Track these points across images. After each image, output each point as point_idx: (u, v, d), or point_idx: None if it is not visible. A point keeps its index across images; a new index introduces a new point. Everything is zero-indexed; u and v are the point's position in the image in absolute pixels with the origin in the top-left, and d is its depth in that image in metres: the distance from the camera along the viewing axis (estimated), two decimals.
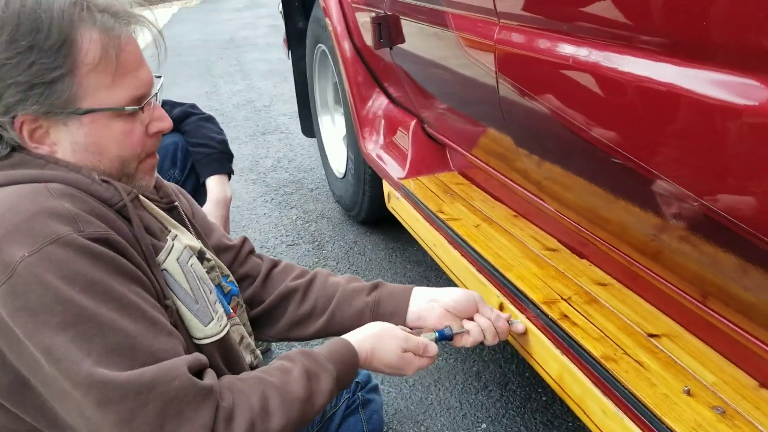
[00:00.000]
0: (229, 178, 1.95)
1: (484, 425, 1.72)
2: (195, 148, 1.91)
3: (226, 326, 1.04)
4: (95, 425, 0.82)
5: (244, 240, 1.34)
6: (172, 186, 1.21)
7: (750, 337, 1.00)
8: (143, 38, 0.99)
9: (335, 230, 2.87)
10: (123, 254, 0.89)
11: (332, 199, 3.15)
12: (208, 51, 7.44)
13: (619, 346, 1.15)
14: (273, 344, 2.07)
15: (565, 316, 1.25)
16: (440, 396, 1.83)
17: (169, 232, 1.04)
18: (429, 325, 1.21)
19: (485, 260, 1.51)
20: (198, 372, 0.90)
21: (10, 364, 0.85)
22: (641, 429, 1.00)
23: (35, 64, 0.87)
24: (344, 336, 1.09)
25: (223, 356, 1.04)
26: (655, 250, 1.14)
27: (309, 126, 3.26)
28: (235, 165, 2.09)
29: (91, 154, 0.95)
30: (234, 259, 1.30)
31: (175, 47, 7.42)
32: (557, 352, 1.20)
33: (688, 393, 1.02)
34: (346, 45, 2.45)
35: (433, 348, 1.14)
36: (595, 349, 1.15)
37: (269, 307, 1.29)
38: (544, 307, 1.29)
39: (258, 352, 1.19)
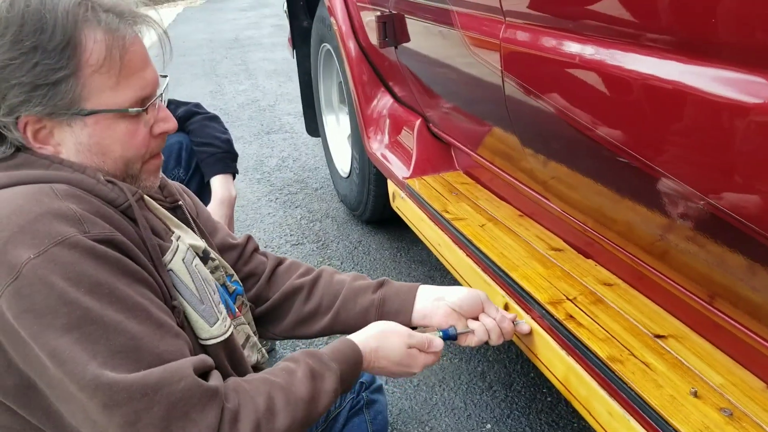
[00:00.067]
0: (234, 178, 1.94)
1: (488, 426, 1.72)
2: (200, 148, 1.91)
3: (230, 327, 1.04)
4: (101, 427, 0.82)
5: (248, 238, 1.34)
6: (176, 185, 1.20)
7: (758, 338, 0.99)
8: (149, 37, 0.99)
9: (340, 230, 2.87)
10: (128, 255, 0.89)
11: (337, 198, 3.15)
12: (212, 50, 7.45)
13: (625, 347, 1.14)
14: (277, 343, 2.06)
15: (571, 316, 1.25)
16: (445, 396, 1.83)
17: (173, 232, 1.04)
18: (434, 324, 1.21)
19: (490, 260, 1.50)
20: (204, 373, 0.89)
21: (16, 366, 0.85)
22: (648, 431, 0.99)
23: (39, 65, 0.87)
24: (348, 336, 1.09)
25: (229, 356, 1.04)
26: (661, 250, 1.13)
27: (314, 125, 3.26)
28: (240, 164, 2.08)
29: (95, 155, 0.95)
30: (238, 258, 1.29)
31: (180, 47, 7.44)
32: (563, 352, 1.19)
33: (695, 395, 1.01)
34: (351, 44, 2.45)
35: (438, 343, 1.14)
36: (601, 350, 1.14)
37: (274, 305, 1.29)
38: (550, 308, 1.28)
39: (264, 351, 1.19)
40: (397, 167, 2.17)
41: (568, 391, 1.19)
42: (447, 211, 1.79)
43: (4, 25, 0.86)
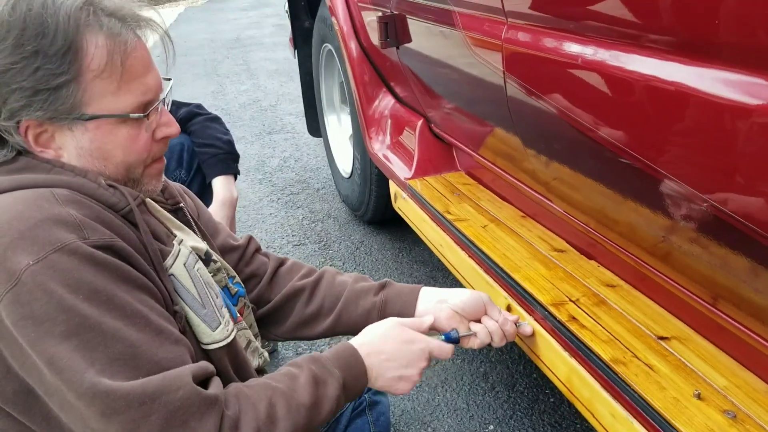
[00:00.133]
0: (236, 179, 1.94)
1: (491, 427, 1.71)
2: (201, 149, 1.91)
3: (232, 331, 1.04)
4: None
5: (250, 239, 1.34)
6: (177, 186, 1.20)
7: (761, 340, 0.98)
8: (153, 38, 0.99)
9: (342, 230, 2.87)
10: (129, 261, 0.88)
11: (338, 198, 3.14)
12: (214, 50, 7.45)
13: (628, 349, 1.14)
14: (279, 344, 2.06)
15: (574, 318, 1.24)
16: (447, 397, 1.82)
17: (175, 236, 1.04)
18: (436, 327, 1.20)
19: (492, 261, 1.50)
20: (204, 381, 0.89)
21: (15, 372, 0.84)
22: None
23: (40, 70, 0.86)
24: (350, 341, 1.08)
25: (232, 360, 1.03)
26: (664, 252, 1.13)
27: (315, 125, 3.26)
28: (242, 165, 2.09)
29: (96, 159, 0.94)
30: (240, 259, 1.29)
31: (182, 47, 7.43)
32: (566, 354, 1.19)
33: (699, 397, 1.01)
34: (353, 44, 2.45)
35: (428, 319, 1.14)
36: (604, 352, 1.13)
37: (276, 306, 1.29)
38: (552, 309, 1.28)
39: (266, 355, 1.18)
40: (398, 168, 2.17)
41: (571, 393, 1.19)
42: (449, 212, 1.79)
43: (6, 28, 0.86)
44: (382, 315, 1.22)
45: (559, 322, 1.24)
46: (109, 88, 0.91)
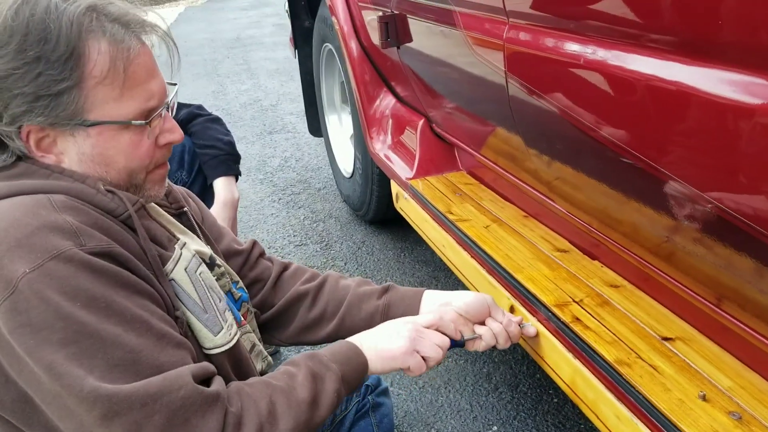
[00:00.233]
0: (237, 180, 1.94)
1: (495, 428, 1.71)
2: (202, 150, 1.90)
3: (235, 335, 1.03)
4: None
5: (254, 243, 1.33)
6: (181, 190, 1.20)
7: (766, 340, 0.98)
8: (158, 43, 0.98)
9: (343, 230, 2.86)
10: (127, 267, 0.88)
11: (340, 198, 3.14)
12: (214, 50, 7.45)
13: (632, 350, 1.14)
14: (282, 348, 2.06)
15: (577, 319, 1.24)
16: (450, 398, 1.82)
17: (177, 240, 1.03)
18: (441, 330, 1.20)
19: (495, 262, 1.49)
20: (205, 380, 0.89)
21: (13, 381, 0.84)
22: None
23: (42, 75, 0.86)
24: (348, 338, 1.09)
25: (234, 365, 1.03)
26: (668, 252, 1.12)
27: (316, 125, 3.26)
28: (243, 165, 2.08)
29: (98, 165, 0.94)
30: (244, 264, 1.29)
31: (182, 46, 7.31)
32: (569, 355, 1.18)
33: (704, 398, 1.01)
34: (353, 44, 2.44)
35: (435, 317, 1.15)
36: (608, 353, 1.13)
37: (279, 311, 1.28)
38: (556, 310, 1.27)
39: (270, 358, 1.18)
40: (400, 168, 2.16)
41: (575, 394, 1.18)
42: (451, 212, 1.78)
43: (9, 33, 0.85)
44: (385, 318, 1.22)
45: (562, 323, 1.23)
46: (111, 94, 0.90)
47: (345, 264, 2.58)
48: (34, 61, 0.85)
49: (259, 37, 8.09)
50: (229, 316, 1.04)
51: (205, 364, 0.91)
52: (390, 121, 2.37)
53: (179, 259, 0.99)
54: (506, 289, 1.42)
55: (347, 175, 2.87)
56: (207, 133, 1.93)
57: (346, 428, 1.34)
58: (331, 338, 1.27)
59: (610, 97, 1.05)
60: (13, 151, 0.92)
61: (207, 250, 1.11)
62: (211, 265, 1.10)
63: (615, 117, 1.06)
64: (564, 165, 1.31)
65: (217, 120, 1.99)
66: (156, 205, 1.06)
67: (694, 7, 0.84)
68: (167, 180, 1.07)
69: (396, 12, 1.95)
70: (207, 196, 1.88)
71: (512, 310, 1.37)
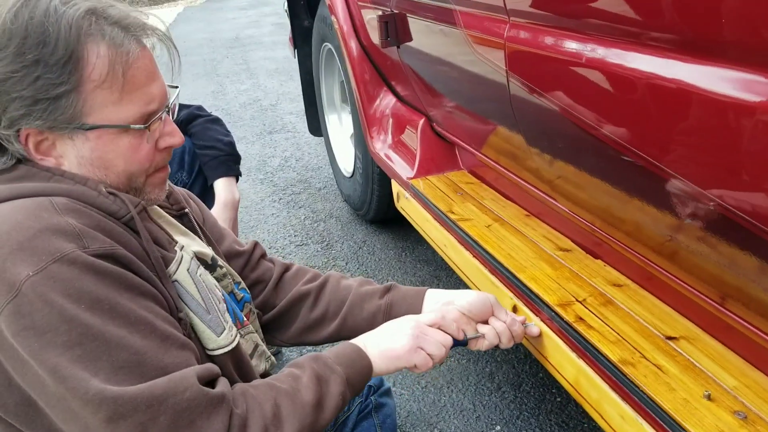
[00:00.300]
0: (237, 180, 1.94)
1: (498, 427, 1.70)
2: (202, 151, 1.90)
3: (236, 336, 1.03)
4: None
5: (255, 244, 1.33)
6: (182, 192, 1.19)
7: None
8: (159, 46, 0.97)
9: (344, 230, 2.86)
10: (130, 269, 0.88)
11: (340, 198, 3.14)
12: (213, 50, 7.44)
13: (636, 350, 1.13)
14: (284, 348, 2.05)
15: (581, 318, 1.23)
16: (453, 398, 1.82)
17: (176, 242, 1.03)
18: (444, 329, 1.19)
19: (497, 261, 1.49)
20: (209, 381, 0.89)
21: (17, 384, 0.84)
22: None
23: (40, 79, 0.85)
24: (351, 340, 1.08)
25: (236, 366, 1.03)
26: (671, 250, 1.12)
27: (316, 125, 3.25)
28: (243, 165, 2.08)
29: (97, 168, 0.93)
30: (245, 265, 1.29)
31: (181, 47, 7.33)
32: (573, 355, 1.18)
33: (709, 398, 1.00)
34: (353, 43, 2.43)
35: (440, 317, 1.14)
36: (612, 353, 1.13)
37: (281, 312, 1.28)
38: (559, 310, 1.27)
39: (273, 359, 1.18)
40: (400, 167, 2.16)
41: (579, 394, 1.18)
42: (452, 212, 1.78)
43: (8, 36, 0.85)
44: (388, 318, 1.22)
45: (566, 322, 1.23)
46: (110, 98, 0.89)
47: (346, 264, 2.57)
48: (33, 65, 0.85)
49: (258, 36, 8.08)
50: (228, 317, 1.04)
51: (210, 365, 0.91)
52: (390, 120, 2.36)
53: (181, 260, 0.99)
54: (509, 289, 1.41)
55: (348, 175, 2.86)
56: (207, 133, 1.93)
57: (349, 429, 1.34)
58: (333, 338, 1.26)
59: (611, 95, 1.05)
60: (13, 154, 0.91)
61: (208, 251, 1.11)
62: (212, 266, 1.10)
63: (617, 115, 1.06)
64: (566, 164, 1.30)
65: (217, 120, 1.99)
66: (157, 207, 1.06)
67: (695, 5, 0.83)
68: (168, 182, 1.07)
69: (396, 11, 1.94)
70: (207, 197, 1.87)
71: (515, 309, 1.37)
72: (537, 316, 1.30)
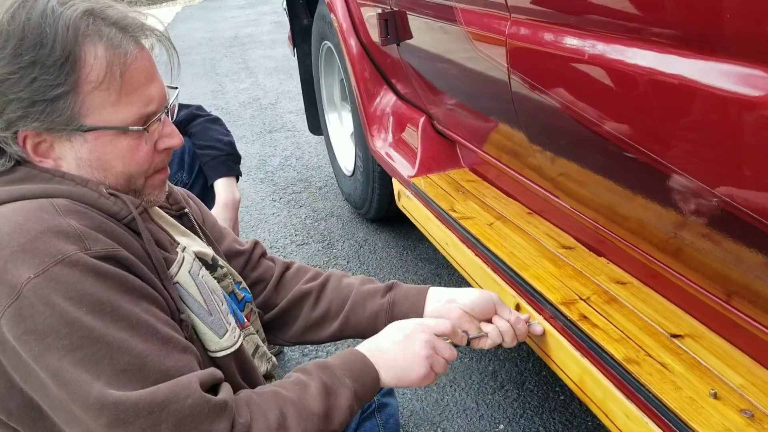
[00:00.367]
0: (237, 180, 1.93)
1: (501, 426, 1.70)
2: (202, 151, 1.89)
3: (239, 337, 1.02)
4: None
5: (255, 243, 1.32)
6: (181, 191, 1.18)
7: None
8: (157, 46, 0.96)
9: (345, 228, 2.85)
10: (132, 271, 0.87)
11: (341, 197, 3.13)
12: (212, 49, 7.43)
13: (641, 348, 1.12)
14: (285, 347, 2.05)
15: (585, 317, 1.23)
16: (456, 397, 1.81)
17: (178, 243, 1.02)
18: (451, 339, 1.18)
19: (500, 260, 1.48)
20: (212, 387, 0.88)
21: (19, 387, 0.83)
22: None
23: (37, 81, 0.84)
24: (358, 347, 1.06)
25: (239, 367, 1.02)
26: (675, 247, 1.11)
27: (316, 123, 3.24)
28: (243, 164, 2.07)
29: (95, 170, 0.92)
30: (246, 264, 1.28)
31: (180, 46, 7.37)
32: (577, 354, 1.17)
33: (715, 396, 0.99)
34: (352, 42, 2.42)
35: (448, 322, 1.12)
36: (617, 351, 1.12)
37: (282, 311, 1.27)
38: (563, 308, 1.26)
39: (274, 359, 1.17)
40: (401, 165, 2.15)
41: (584, 393, 1.17)
42: (454, 210, 1.77)
43: (5, 37, 0.84)
44: (390, 317, 1.21)
45: (570, 321, 1.22)
46: (108, 99, 0.89)
47: (347, 263, 2.57)
48: (30, 66, 0.84)
49: (257, 35, 8.07)
50: (231, 319, 1.03)
51: (213, 370, 0.90)
52: (391, 118, 2.35)
53: (183, 262, 0.98)
54: (512, 287, 1.40)
55: (348, 174, 2.86)
56: (207, 133, 1.92)
57: (352, 429, 1.33)
58: (335, 337, 1.25)
59: (613, 92, 1.04)
60: (11, 156, 0.91)
61: (209, 251, 1.10)
62: (213, 266, 1.09)
63: (619, 112, 1.05)
64: (568, 161, 1.29)
65: (217, 120, 1.98)
66: (157, 207, 1.05)
67: (697, 1, 0.83)
68: (167, 182, 1.06)
69: (395, 9, 1.93)
70: (208, 197, 1.87)
71: (518, 308, 1.36)
72: (540, 314, 1.29)
